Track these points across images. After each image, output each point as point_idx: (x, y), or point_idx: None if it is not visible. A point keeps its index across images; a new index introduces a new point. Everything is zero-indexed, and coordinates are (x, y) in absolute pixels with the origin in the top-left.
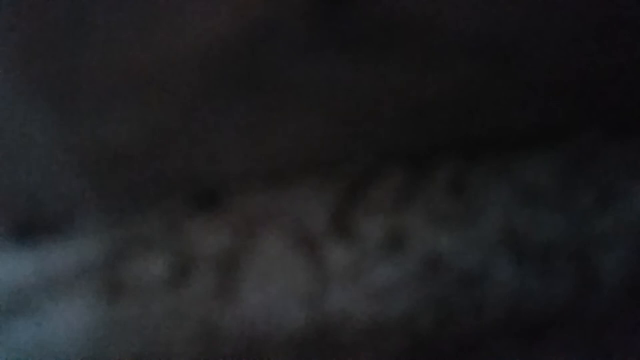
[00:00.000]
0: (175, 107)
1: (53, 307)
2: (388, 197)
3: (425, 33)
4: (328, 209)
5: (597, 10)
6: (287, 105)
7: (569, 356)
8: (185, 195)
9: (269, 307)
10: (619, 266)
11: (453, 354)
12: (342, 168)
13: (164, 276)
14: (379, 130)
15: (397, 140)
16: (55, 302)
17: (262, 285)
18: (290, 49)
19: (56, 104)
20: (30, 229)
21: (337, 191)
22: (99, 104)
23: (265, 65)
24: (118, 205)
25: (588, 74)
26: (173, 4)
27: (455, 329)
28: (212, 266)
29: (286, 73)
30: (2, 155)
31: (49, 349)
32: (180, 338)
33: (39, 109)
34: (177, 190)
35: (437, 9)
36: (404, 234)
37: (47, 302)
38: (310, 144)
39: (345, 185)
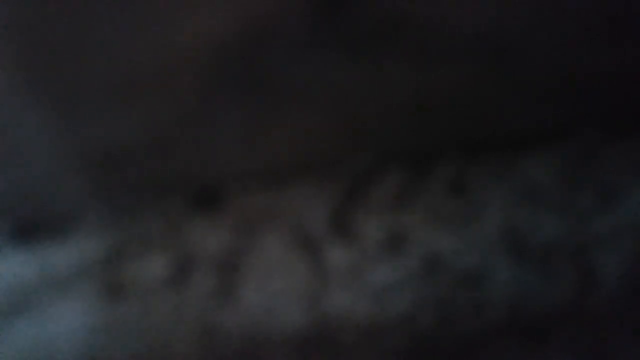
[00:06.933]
0: (175, 107)
1: (53, 307)
2: (388, 197)
3: (425, 33)
4: (328, 209)
5: (597, 10)
6: (287, 105)
7: (569, 356)
8: (185, 195)
9: (269, 307)
10: (619, 266)
11: (453, 354)
12: (342, 168)
13: (164, 276)
14: (379, 130)
15: (397, 140)
16: (55, 302)
17: (262, 285)
18: (290, 49)
19: (56, 104)
20: (30, 229)
21: (337, 191)
22: (99, 104)
23: (265, 65)
24: (118, 205)
25: (588, 74)
26: (173, 4)
27: (455, 329)
28: (212, 266)
29: (286, 73)
30: (2, 155)
31: (49, 349)
32: (180, 338)
33: (39, 109)
34: (177, 190)
35: (436, 9)
36: (404, 234)
37: (47, 302)
38: (310, 144)
39: (345, 185)
